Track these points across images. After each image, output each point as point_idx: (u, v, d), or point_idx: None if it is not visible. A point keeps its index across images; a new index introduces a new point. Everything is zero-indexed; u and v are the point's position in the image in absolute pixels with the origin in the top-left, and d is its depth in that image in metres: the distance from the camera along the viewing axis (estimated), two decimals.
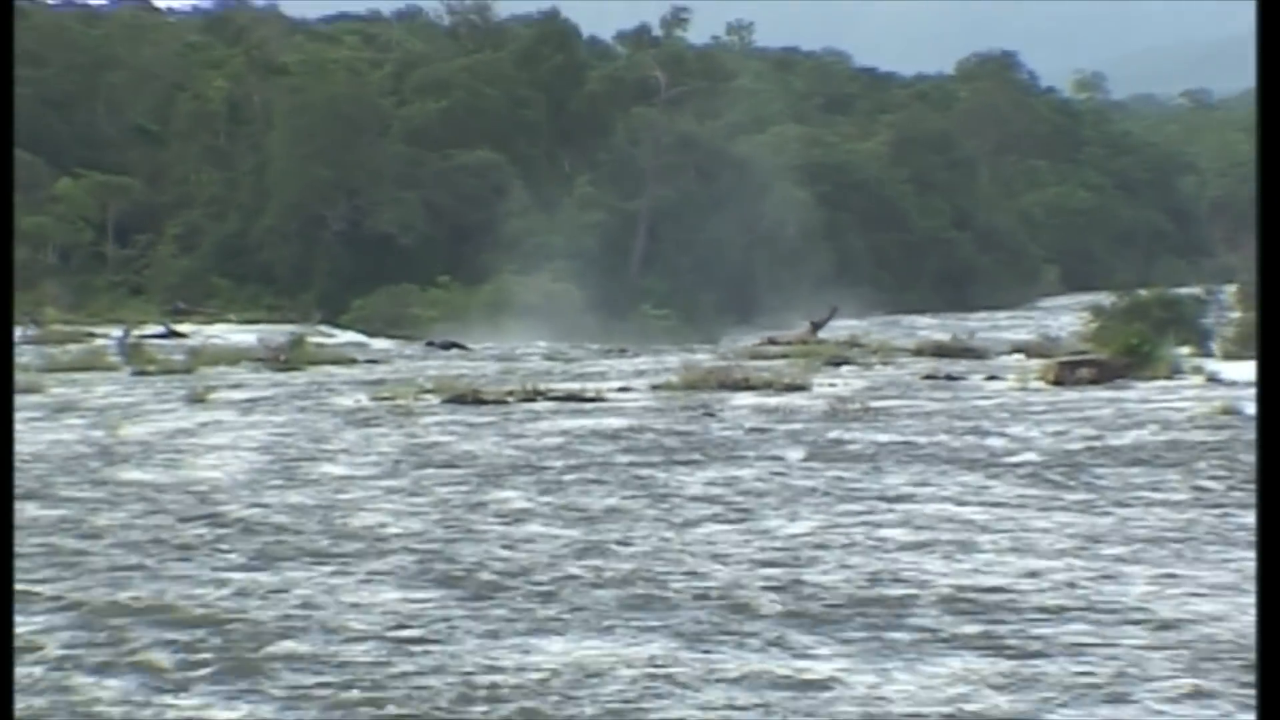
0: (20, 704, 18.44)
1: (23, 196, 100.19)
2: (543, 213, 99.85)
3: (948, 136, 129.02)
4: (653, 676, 19.60)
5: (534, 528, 29.31)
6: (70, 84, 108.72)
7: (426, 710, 18.19)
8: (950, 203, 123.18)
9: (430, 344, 74.62)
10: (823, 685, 19.28)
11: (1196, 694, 18.97)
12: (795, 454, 38.25)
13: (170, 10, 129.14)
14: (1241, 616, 22.49)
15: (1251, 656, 20.38)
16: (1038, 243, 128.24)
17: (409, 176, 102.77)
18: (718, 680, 19.38)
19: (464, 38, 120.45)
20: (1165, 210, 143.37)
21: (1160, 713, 18.14)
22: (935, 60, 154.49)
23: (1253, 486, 33.31)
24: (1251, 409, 44.84)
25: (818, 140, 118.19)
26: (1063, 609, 22.90)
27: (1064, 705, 18.42)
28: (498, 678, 19.53)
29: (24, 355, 65.22)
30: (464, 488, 33.85)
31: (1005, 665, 20.11)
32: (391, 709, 18.24)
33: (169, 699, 18.86)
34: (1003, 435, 41.10)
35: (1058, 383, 51.59)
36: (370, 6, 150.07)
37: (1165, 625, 22.01)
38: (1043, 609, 22.90)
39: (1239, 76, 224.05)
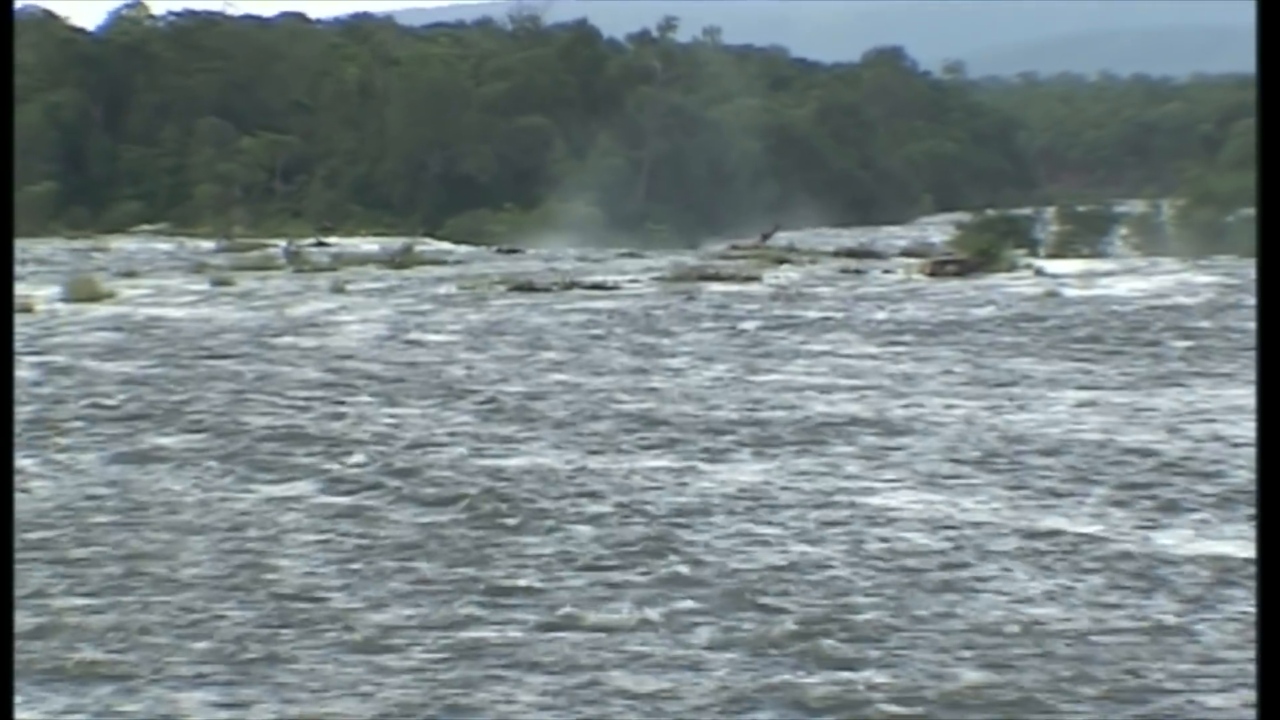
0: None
1: (217, 150, 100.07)
2: (576, 160, 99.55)
3: (856, 106, 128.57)
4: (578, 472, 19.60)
5: (563, 375, 29.32)
6: (249, 72, 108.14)
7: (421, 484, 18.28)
8: (858, 151, 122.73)
9: (499, 250, 74.40)
10: (697, 473, 19.44)
11: (932, 477, 19.28)
12: (749, 324, 38.17)
13: (318, 20, 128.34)
14: (989, 419, 23.24)
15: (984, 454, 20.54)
16: (918, 178, 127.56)
17: (484, 135, 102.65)
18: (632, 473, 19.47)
19: (522, 39, 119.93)
20: (1005, 156, 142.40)
21: (901, 488, 18.38)
22: (848, 53, 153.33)
23: (1059, 344, 33.27)
24: (1067, 291, 44.83)
25: (766, 109, 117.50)
26: (873, 424, 23.12)
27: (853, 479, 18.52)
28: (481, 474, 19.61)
29: (217, 259, 65.13)
30: (520, 348, 33.81)
31: (807, 466, 20.34)
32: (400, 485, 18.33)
33: (261, 486, 18.93)
34: (892, 311, 41.05)
35: (932, 275, 51.36)
36: (457, 18, 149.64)
37: (931, 431, 22.28)
38: (859, 426, 23.12)
39: (1056, 63, 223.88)
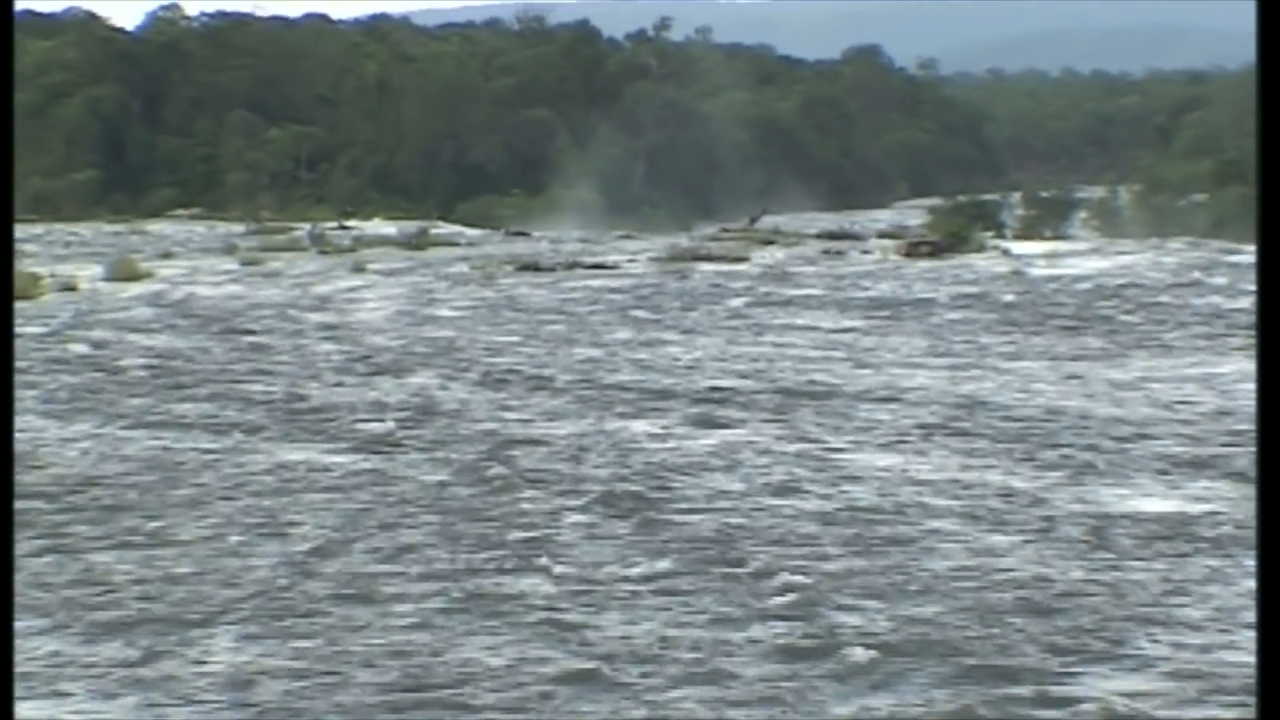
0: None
1: (246, 141, 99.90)
2: (578, 149, 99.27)
3: (836, 99, 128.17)
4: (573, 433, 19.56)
5: (563, 347, 29.28)
6: (276, 69, 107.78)
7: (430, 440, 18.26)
8: (839, 141, 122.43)
9: (507, 233, 74.27)
10: (684, 436, 19.40)
11: (902, 438, 19.26)
12: (737, 301, 38.09)
13: (340, 21, 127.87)
14: (949, 387, 23.03)
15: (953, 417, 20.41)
16: (894, 167, 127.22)
17: (493, 127, 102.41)
18: (605, 437, 19.40)
19: (528, 37, 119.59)
20: (975, 145, 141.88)
21: (866, 447, 18.29)
22: (829, 50, 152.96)
23: (1022, 318, 33.14)
24: (1032, 270, 44.71)
25: (754, 102, 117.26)
26: (846, 390, 23.07)
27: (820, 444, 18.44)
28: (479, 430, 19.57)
29: (249, 242, 65.05)
30: (525, 323, 33.76)
31: (779, 430, 20.23)
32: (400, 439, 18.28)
33: (276, 445, 18.87)
34: (868, 289, 40.99)
35: (907, 255, 51.23)
36: (468, 19, 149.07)
37: (895, 399, 22.18)
38: (838, 392, 23.08)
39: (1021, 60, 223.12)
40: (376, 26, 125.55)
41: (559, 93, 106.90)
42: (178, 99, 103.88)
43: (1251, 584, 12.73)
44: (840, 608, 12.36)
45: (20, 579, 13.32)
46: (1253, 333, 29.84)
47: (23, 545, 14.46)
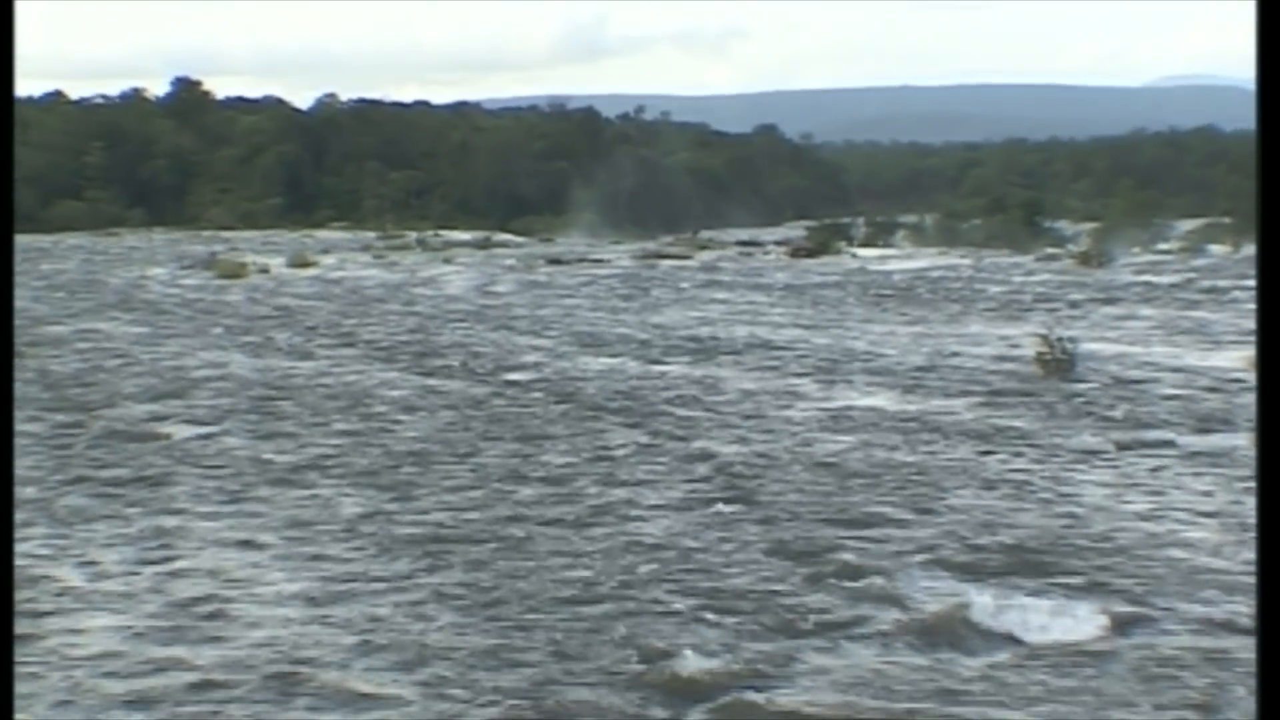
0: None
1: (377, 180, 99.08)
2: (586, 187, 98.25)
3: (749, 158, 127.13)
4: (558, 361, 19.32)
5: (575, 313, 29.03)
6: (397, 134, 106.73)
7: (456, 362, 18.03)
8: (750, 185, 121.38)
9: (541, 240, 73.74)
10: (619, 372, 19.06)
11: (822, 376, 18.32)
12: (686, 283, 37.82)
13: (437, 105, 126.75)
14: (848, 344, 22.03)
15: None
16: (785, 201, 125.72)
17: (533, 173, 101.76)
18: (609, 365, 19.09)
19: (554, 117, 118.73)
20: (835, 188, 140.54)
21: (789, 381, 18.01)
22: (744, 127, 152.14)
23: (864, 296, 32.81)
24: (870, 267, 44.39)
25: (697, 159, 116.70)
26: (744, 348, 22.65)
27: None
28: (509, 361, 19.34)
29: (377, 244, 64.50)
30: (549, 295, 33.50)
31: (677, 376, 19.93)
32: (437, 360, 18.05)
33: (386, 372, 18.62)
34: (768, 277, 40.70)
35: (793, 256, 50.97)
36: (517, 105, 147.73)
37: (784, 347, 21.73)
38: (731, 347, 22.69)
39: (866, 134, 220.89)
40: (460, 108, 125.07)
41: (574, 152, 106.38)
42: (334, 153, 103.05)
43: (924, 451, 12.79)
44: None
45: (230, 450, 13.13)
46: (999, 307, 29.63)
47: (235, 435, 14.25)
